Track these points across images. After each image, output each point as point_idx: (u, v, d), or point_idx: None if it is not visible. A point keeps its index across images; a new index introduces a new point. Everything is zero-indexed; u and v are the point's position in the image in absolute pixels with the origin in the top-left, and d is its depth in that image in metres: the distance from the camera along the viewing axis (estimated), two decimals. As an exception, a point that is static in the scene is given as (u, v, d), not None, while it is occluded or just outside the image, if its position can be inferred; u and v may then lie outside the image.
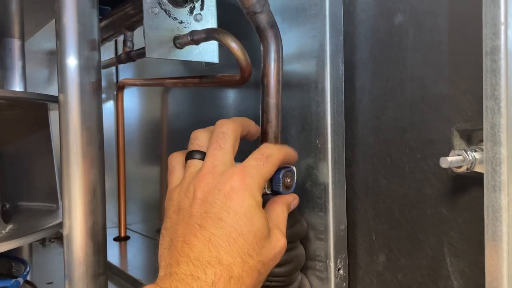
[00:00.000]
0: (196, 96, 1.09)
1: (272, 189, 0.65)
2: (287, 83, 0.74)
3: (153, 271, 1.17)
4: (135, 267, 1.13)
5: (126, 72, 1.42)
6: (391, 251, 0.67)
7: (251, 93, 0.88)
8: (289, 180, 0.65)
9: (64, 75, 0.65)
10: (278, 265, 0.68)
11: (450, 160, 0.52)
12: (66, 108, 0.64)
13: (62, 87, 0.65)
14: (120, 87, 1.28)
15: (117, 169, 1.34)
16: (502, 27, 0.42)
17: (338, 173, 0.71)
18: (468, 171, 0.53)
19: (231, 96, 0.96)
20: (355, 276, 0.72)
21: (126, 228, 1.38)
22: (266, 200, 0.65)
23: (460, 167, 0.53)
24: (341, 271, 0.72)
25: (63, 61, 0.65)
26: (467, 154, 0.53)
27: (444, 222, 0.60)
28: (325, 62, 0.70)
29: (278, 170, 0.64)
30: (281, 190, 0.64)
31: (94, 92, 0.68)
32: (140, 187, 1.41)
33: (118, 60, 0.99)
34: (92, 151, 0.66)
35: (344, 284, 0.72)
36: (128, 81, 1.26)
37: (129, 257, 1.22)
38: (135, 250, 1.29)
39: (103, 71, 0.89)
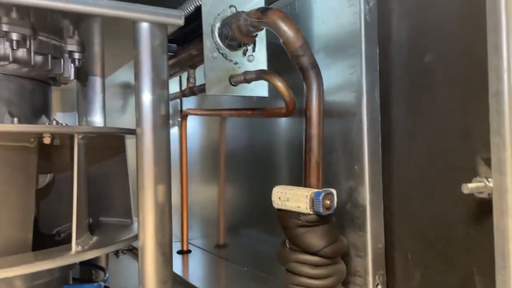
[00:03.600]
0: (250, 123, 1.21)
1: (314, 210, 0.73)
2: (329, 113, 0.83)
3: (211, 281, 1.28)
4: (196, 278, 1.25)
5: (189, 101, 1.58)
6: (426, 269, 0.73)
7: (297, 121, 0.98)
8: (328, 202, 0.73)
9: (140, 111, 0.79)
10: (321, 278, 0.76)
11: (470, 187, 0.58)
12: (142, 139, 0.77)
13: (139, 121, 0.79)
14: (184, 116, 1.43)
15: (181, 188, 1.48)
16: (505, 74, 0.49)
17: (375, 196, 0.78)
18: (490, 197, 0.59)
19: (279, 123, 1.06)
20: (393, 292, 0.78)
21: (188, 243, 1.51)
22: (303, 223, 0.73)
23: (481, 192, 0.59)
24: (379, 287, 0.78)
25: (140, 98, 0.79)
26: (488, 181, 0.59)
27: (473, 243, 0.65)
28: (362, 95, 0.79)
29: (319, 193, 0.72)
30: (321, 211, 0.72)
31: (163, 124, 0.81)
32: (200, 205, 1.54)
33: (183, 94, 1.13)
34: (161, 175, 0.78)
35: (383, 298, 0.78)
36: (191, 111, 1.41)
37: (191, 269, 1.34)
38: (196, 263, 1.41)
39: (169, 102, 1.03)
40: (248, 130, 1.22)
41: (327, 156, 0.83)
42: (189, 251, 1.50)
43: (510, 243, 0.47)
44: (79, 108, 1.30)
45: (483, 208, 0.64)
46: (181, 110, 1.59)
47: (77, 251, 0.78)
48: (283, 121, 1.05)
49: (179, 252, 1.49)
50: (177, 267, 1.32)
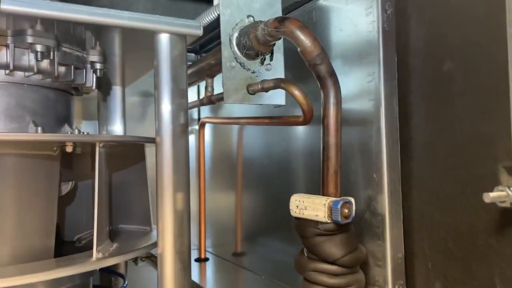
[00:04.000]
0: (267, 131, 1.21)
1: (332, 219, 0.73)
2: (347, 121, 0.83)
3: (229, 290, 1.29)
4: (213, 286, 1.25)
5: (205, 109, 1.59)
6: (446, 279, 0.72)
7: (314, 129, 0.98)
8: (347, 211, 0.72)
9: (160, 120, 0.80)
10: (340, 287, 0.75)
11: (492, 196, 0.58)
12: (161, 148, 0.78)
13: (158, 130, 0.80)
14: (202, 125, 1.44)
15: (198, 196, 1.49)
16: (527, 81, 0.48)
17: (394, 205, 0.78)
18: (512, 206, 0.58)
19: (297, 131, 1.06)
20: (413, 302, 0.77)
21: (205, 250, 1.52)
22: (321, 232, 0.73)
23: (503, 202, 0.58)
24: (399, 297, 0.77)
25: (159, 107, 0.80)
26: (510, 190, 0.58)
27: (495, 253, 0.64)
28: (380, 103, 0.78)
29: (337, 201, 0.72)
30: (339, 220, 0.72)
31: (182, 133, 0.82)
32: (218, 213, 1.55)
33: (201, 102, 1.14)
34: (180, 183, 0.79)
35: (403, 309, 0.77)
36: (209, 119, 1.42)
37: (208, 276, 1.35)
38: (213, 271, 1.41)
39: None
40: (265, 138, 1.23)
41: (345, 165, 0.83)
42: (206, 259, 1.51)
43: (534, 254, 0.46)
44: (99, 117, 1.32)
45: (505, 218, 0.63)
46: (199, 119, 1.61)
47: (98, 258, 0.79)
48: (300, 129, 1.05)
49: (196, 260, 1.49)
50: (195, 275, 1.32)
